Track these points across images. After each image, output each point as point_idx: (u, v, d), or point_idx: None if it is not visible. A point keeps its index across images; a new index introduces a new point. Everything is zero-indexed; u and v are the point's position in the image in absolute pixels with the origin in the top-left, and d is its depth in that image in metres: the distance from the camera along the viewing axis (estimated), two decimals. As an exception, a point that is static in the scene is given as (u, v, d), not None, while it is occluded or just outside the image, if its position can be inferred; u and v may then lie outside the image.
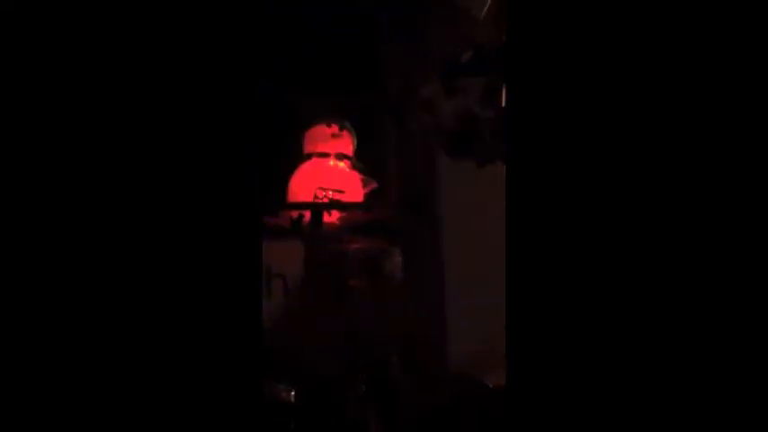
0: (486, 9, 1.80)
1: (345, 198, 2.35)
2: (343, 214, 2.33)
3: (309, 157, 2.43)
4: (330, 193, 2.36)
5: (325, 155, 2.42)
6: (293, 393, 1.83)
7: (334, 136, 2.42)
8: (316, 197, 2.35)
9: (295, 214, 2.30)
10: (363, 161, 2.41)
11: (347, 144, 2.44)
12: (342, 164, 2.42)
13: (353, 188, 2.39)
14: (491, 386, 1.63)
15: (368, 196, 2.38)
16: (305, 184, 2.39)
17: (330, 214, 2.32)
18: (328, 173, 2.40)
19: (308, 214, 2.29)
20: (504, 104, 1.84)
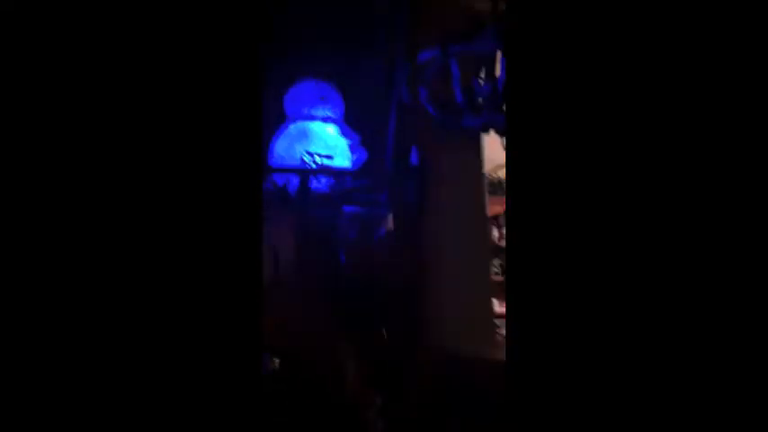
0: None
1: (334, 164, 2.28)
2: (333, 181, 2.26)
3: (293, 119, 2.33)
4: (318, 158, 2.27)
5: (312, 117, 2.32)
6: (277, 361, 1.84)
7: (321, 98, 2.31)
8: (302, 162, 2.26)
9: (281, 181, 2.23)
10: (358, 130, 2.32)
11: (335, 107, 2.33)
12: (329, 127, 2.33)
13: (342, 153, 2.32)
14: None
15: (362, 165, 2.30)
16: (290, 149, 2.29)
17: (318, 180, 2.25)
18: (315, 137, 2.31)
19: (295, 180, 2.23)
20: (500, 76, 1.81)
